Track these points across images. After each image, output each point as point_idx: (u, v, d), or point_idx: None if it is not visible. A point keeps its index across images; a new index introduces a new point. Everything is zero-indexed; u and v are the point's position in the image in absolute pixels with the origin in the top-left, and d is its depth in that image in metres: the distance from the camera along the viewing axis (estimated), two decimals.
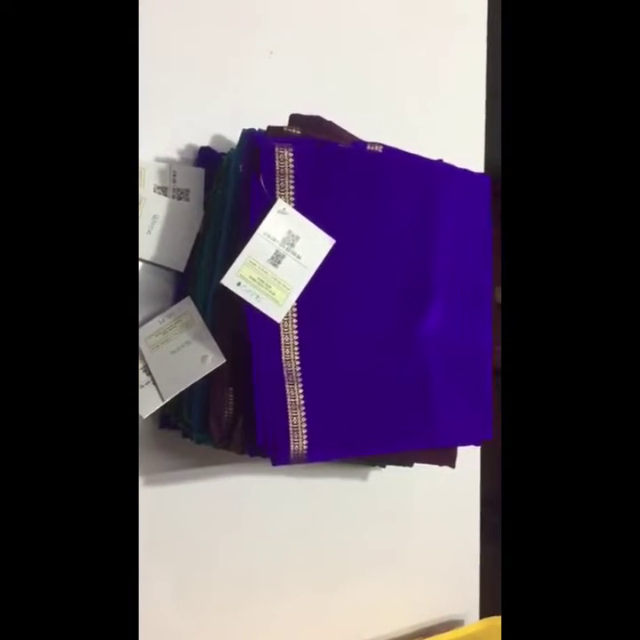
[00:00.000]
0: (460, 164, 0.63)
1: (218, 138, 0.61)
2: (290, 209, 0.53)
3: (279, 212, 0.53)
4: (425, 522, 0.76)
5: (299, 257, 0.54)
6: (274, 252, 0.53)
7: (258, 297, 0.53)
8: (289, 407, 0.53)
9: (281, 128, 0.56)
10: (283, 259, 0.53)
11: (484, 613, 0.80)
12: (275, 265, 0.53)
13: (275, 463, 0.53)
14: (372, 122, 0.64)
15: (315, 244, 0.54)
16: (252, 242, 0.52)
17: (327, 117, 0.59)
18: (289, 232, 0.53)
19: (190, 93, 0.60)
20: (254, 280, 0.52)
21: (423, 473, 0.66)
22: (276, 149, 0.53)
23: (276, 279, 0.53)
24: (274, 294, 0.53)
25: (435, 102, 0.75)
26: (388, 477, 0.71)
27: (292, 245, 0.54)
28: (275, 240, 0.53)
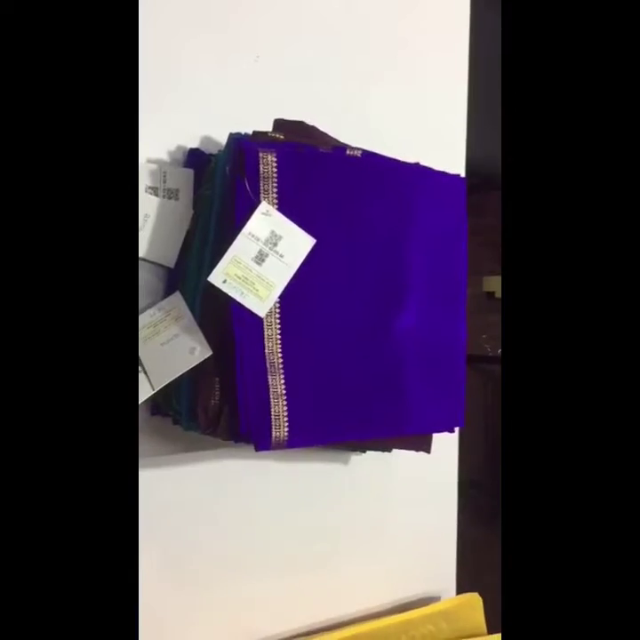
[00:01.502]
0: (441, 162, 0.66)
1: (206, 139, 0.64)
2: (273, 210, 0.57)
3: (263, 213, 0.56)
4: (404, 503, 0.79)
5: (281, 256, 0.57)
6: (258, 251, 0.56)
7: (242, 293, 0.56)
8: (271, 396, 0.57)
9: (265, 133, 0.59)
10: (266, 257, 0.57)
11: (460, 590, 0.84)
12: (258, 263, 0.56)
13: (257, 449, 0.56)
14: (356, 125, 0.67)
15: (296, 244, 0.58)
16: (237, 241, 0.56)
17: (312, 121, 0.62)
18: (272, 232, 0.57)
19: (180, 97, 0.63)
20: (239, 278, 0.56)
21: (402, 457, 0.70)
22: (260, 154, 0.56)
23: (259, 277, 0.56)
24: (257, 291, 0.56)
25: (418, 105, 0.78)
26: (369, 461, 0.75)
27: (275, 245, 0.57)
28: (258, 240, 0.56)
